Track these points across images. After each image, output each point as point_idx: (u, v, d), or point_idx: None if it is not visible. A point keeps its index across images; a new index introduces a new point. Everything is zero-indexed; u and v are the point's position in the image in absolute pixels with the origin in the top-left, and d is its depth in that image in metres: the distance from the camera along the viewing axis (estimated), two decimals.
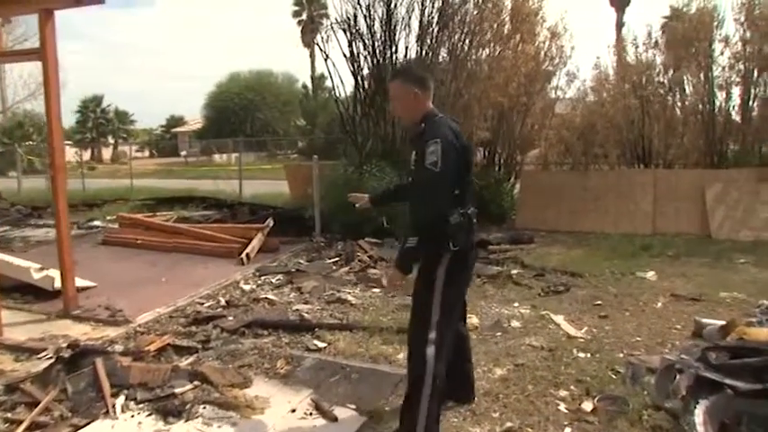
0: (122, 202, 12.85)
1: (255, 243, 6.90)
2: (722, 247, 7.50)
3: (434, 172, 2.48)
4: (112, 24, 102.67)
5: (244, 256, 6.53)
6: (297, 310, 4.79)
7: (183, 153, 38.13)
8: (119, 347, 3.85)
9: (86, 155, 43.34)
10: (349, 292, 5.29)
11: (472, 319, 4.16)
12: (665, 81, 9.82)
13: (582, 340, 4.04)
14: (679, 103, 9.93)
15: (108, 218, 10.50)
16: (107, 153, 45.29)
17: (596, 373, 3.43)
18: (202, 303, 5.03)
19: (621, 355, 3.73)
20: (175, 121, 49.90)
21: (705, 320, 4.01)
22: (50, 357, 3.56)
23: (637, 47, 9.93)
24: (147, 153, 48.04)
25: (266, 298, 5.16)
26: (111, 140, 47.75)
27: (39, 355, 3.67)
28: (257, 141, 30.68)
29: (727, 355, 2.85)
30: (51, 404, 2.99)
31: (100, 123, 47.00)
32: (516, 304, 4.88)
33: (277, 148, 31.90)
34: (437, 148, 2.49)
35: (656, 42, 9.98)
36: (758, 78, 9.28)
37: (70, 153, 27.38)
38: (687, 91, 9.74)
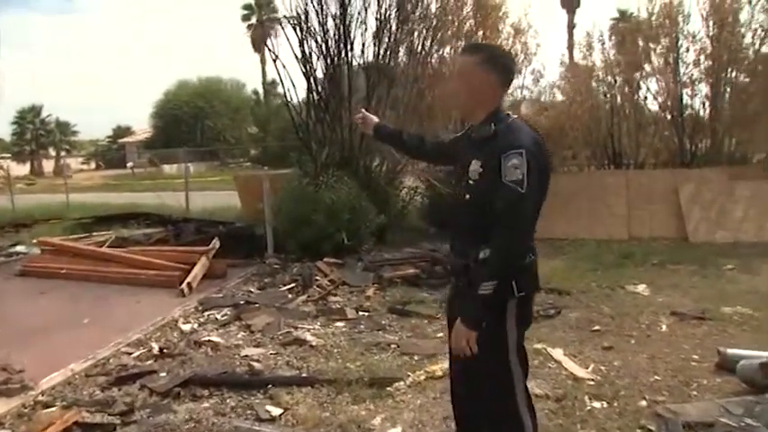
0: (56, 222, 11.55)
1: (198, 270, 5.98)
2: (703, 251, 7.19)
3: (520, 193, 1.85)
4: (46, 31, 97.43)
5: (185, 286, 5.61)
6: (246, 356, 3.96)
7: (130, 164, 36.25)
8: None
9: (25, 168, 41.04)
10: (308, 329, 4.48)
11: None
12: (632, 79, 9.47)
13: (592, 383, 3.36)
14: (648, 102, 9.63)
15: (35, 241, 9.28)
16: (49, 166, 42.86)
17: None
18: (130, 353, 4.11)
19: (644, 402, 3.07)
20: (122, 132, 47.74)
21: (731, 351, 3.40)
22: None
23: (603, 43, 9.57)
24: (93, 165, 45.77)
25: (209, 341, 4.29)
26: (52, 153, 45.27)
27: None
28: (209, 151, 29.34)
29: None
30: None
31: (39, 135, 44.55)
32: None
33: (229, 157, 30.57)
34: (521, 161, 1.85)
35: (623, 39, 9.65)
36: (726, 75, 9.02)
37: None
38: (655, 88, 9.46)
